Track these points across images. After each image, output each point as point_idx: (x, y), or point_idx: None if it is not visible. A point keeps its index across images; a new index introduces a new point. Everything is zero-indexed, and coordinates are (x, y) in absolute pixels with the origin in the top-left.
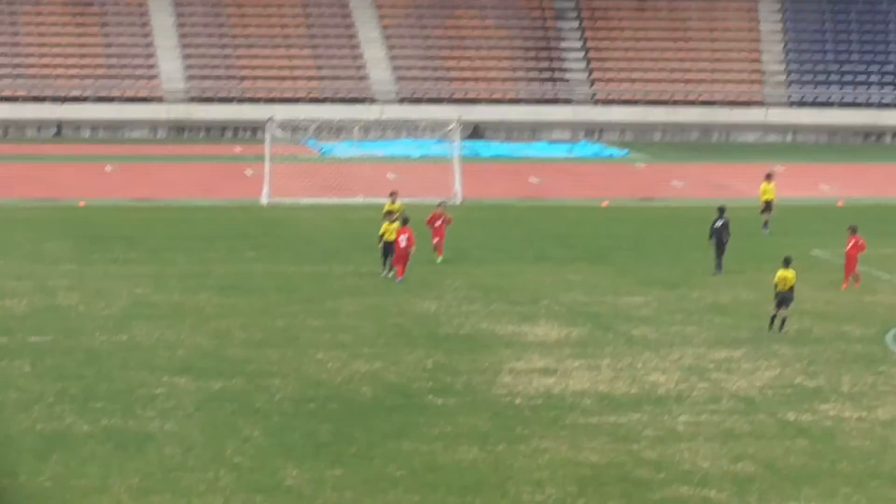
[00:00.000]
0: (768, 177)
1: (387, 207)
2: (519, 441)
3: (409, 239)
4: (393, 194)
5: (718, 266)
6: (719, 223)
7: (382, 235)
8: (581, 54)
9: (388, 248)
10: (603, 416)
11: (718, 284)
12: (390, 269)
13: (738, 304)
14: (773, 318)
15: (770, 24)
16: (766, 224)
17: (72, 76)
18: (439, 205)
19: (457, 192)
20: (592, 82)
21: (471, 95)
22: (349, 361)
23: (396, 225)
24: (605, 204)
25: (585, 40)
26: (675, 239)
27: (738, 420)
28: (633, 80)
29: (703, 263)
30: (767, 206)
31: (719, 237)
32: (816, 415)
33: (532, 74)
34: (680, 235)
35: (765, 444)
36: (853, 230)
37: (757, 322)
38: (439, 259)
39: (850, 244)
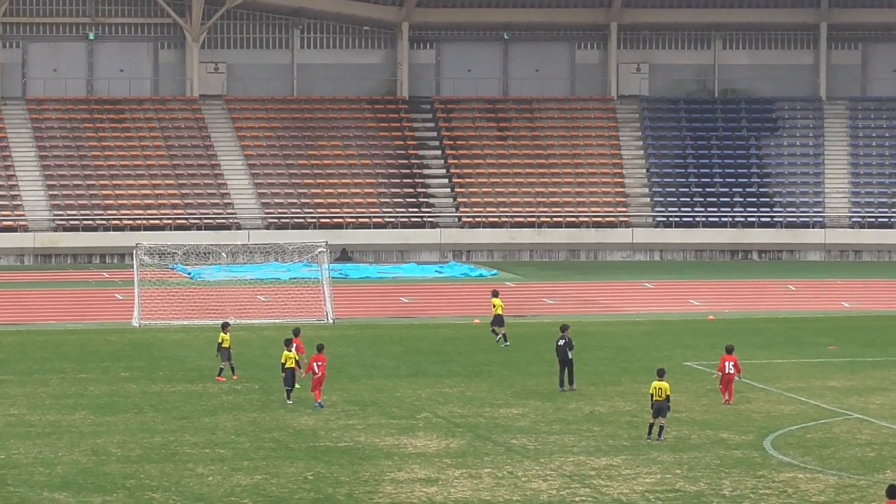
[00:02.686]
0: (495, 293)
1: (220, 338)
2: None
3: (321, 366)
4: (225, 326)
5: (570, 381)
6: (562, 341)
7: (284, 363)
8: (445, 180)
9: (290, 376)
10: None
11: (594, 395)
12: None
13: (615, 414)
14: (650, 426)
15: (632, 151)
16: (504, 337)
17: None
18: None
19: (327, 312)
20: (457, 206)
21: (337, 220)
22: (229, 475)
23: (293, 354)
24: (476, 321)
25: (449, 167)
26: (548, 353)
27: None
28: (499, 204)
29: (580, 377)
30: (498, 320)
31: (563, 355)
32: None
33: (397, 199)
34: (553, 350)
35: None
36: (728, 350)
37: (635, 431)
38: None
39: (728, 364)
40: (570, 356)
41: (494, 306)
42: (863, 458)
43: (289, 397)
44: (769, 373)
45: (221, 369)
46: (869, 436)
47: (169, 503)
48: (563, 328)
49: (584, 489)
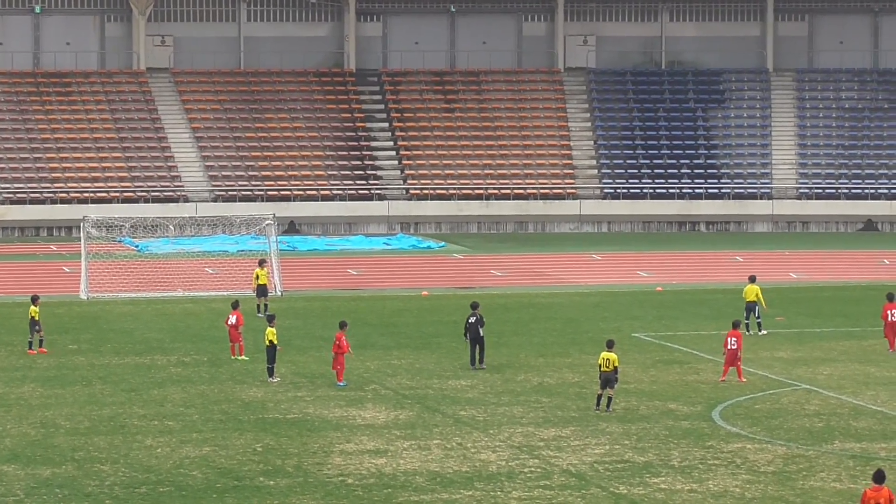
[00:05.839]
0: (261, 263)
1: (31, 312)
2: None
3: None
4: (35, 299)
5: (480, 360)
6: (472, 318)
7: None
8: (392, 153)
9: (271, 353)
10: (435, 494)
11: (543, 367)
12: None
13: (564, 386)
14: (598, 397)
15: (579, 123)
16: (261, 308)
17: None
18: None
19: (276, 284)
20: (405, 179)
21: (284, 193)
22: (178, 447)
23: (275, 329)
24: (424, 293)
25: (396, 139)
26: (497, 325)
27: (570, 495)
28: (446, 176)
29: (528, 348)
30: (262, 290)
31: (475, 332)
32: (648, 488)
33: (345, 172)
34: (502, 321)
35: None
36: (735, 325)
37: (584, 402)
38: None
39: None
40: (482, 333)
41: (258, 277)
42: (811, 429)
43: (271, 374)
44: (717, 343)
45: (31, 342)
46: (817, 406)
47: (118, 475)
48: (474, 305)
49: (533, 460)
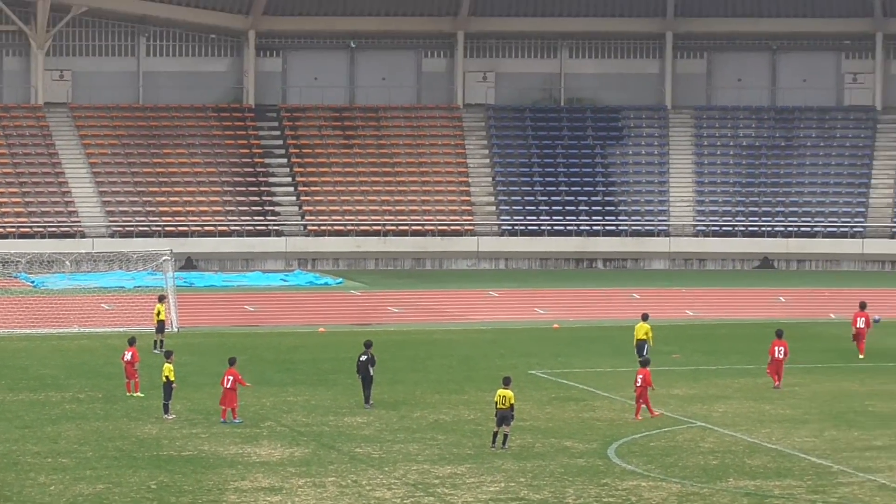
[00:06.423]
0: (161, 299)
1: None
2: None
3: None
4: None
5: (366, 399)
6: (364, 357)
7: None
8: (291, 189)
9: (167, 389)
10: None
11: (439, 404)
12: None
13: (459, 423)
14: (494, 434)
15: (478, 159)
16: (157, 344)
17: None
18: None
19: (172, 320)
20: (303, 215)
21: (182, 229)
22: (72, 484)
23: (172, 366)
24: (321, 330)
25: (294, 175)
26: (393, 361)
27: None
28: (344, 212)
29: (424, 385)
30: (160, 325)
31: (365, 371)
32: None
33: (243, 208)
34: (398, 358)
35: None
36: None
37: (479, 439)
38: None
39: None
40: (371, 373)
41: (158, 312)
42: (706, 466)
43: (167, 411)
44: (613, 381)
45: None
46: (712, 444)
47: None
48: (367, 344)
49: (429, 498)
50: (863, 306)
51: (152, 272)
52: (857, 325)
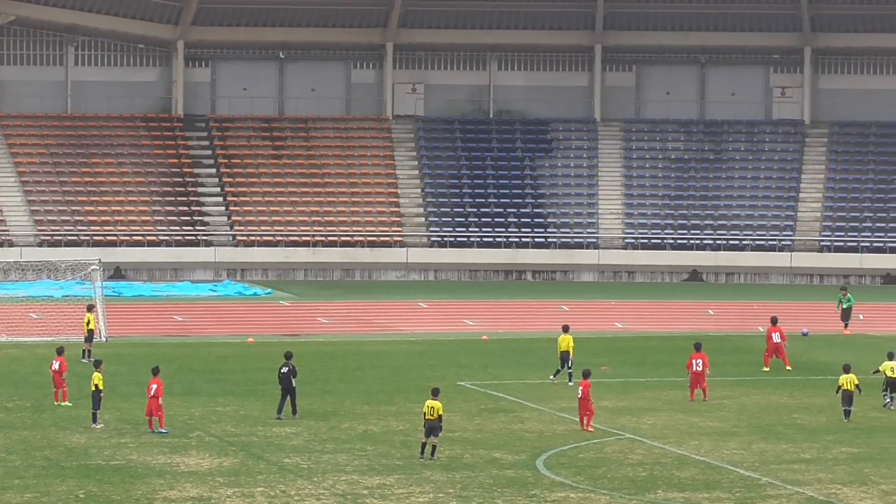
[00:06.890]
0: (90, 308)
1: None
2: None
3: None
4: None
5: (293, 410)
6: (285, 369)
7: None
8: (220, 199)
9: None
10: None
11: (368, 415)
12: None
13: (388, 433)
14: (423, 445)
15: (407, 171)
16: (85, 353)
17: None
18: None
19: (101, 330)
20: (232, 225)
21: (111, 238)
22: None
23: (101, 375)
24: (250, 340)
25: (223, 185)
26: (323, 372)
27: None
28: (273, 223)
29: (353, 396)
30: (90, 335)
31: (287, 382)
32: None
33: (172, 218)
34: (328, 369)
35: None
36: (773, 321)
37: (408, 450)
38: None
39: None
40: (294, 384)
41: (88, 322)
42: (634, 478)
43: (95, 420)
44: (542, 392)
45: None
46: (640, 456)
47: None
48: (288, 355)
49: None
50: (774, 321)
51: (81, 281)
52: (774, 340)
